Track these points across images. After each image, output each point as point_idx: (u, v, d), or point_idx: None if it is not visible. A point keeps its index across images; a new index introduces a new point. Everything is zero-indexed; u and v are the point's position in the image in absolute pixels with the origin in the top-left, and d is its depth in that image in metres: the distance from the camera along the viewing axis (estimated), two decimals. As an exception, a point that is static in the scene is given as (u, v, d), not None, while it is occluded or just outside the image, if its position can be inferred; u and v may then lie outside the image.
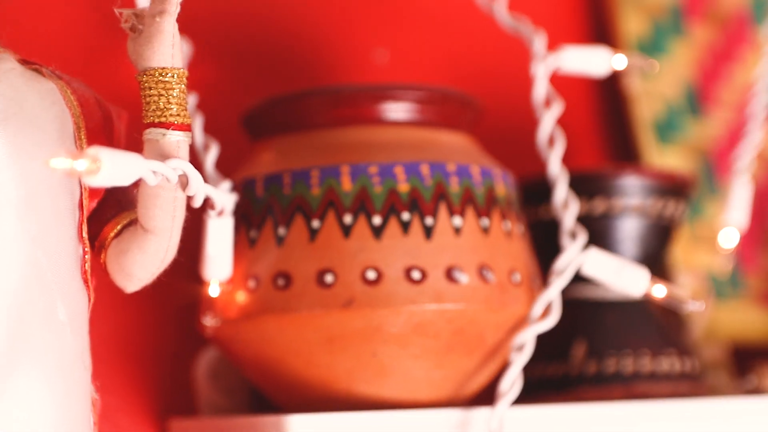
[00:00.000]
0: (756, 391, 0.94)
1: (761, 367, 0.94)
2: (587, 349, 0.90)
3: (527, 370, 0.92)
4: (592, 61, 0.88)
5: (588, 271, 0.80)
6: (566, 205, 0.83)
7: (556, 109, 0.86)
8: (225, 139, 0.84)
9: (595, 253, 0.81)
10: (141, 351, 0.88)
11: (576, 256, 0.80)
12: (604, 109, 1.16)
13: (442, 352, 0.76)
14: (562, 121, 1.13)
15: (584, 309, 0.92)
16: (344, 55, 1.03)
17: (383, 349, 0.75)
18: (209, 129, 0.84)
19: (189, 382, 0.88)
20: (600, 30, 1.16)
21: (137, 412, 0.87)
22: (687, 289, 1.08)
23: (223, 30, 0.97)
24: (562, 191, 0.83)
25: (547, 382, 0.90)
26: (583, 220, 0.91)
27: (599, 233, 0.91)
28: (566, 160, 1.13)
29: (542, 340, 0.92)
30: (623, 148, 1.15)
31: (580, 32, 1.16)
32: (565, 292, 0.92)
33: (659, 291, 0.81)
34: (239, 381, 0.89)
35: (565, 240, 0.81)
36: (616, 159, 1.15)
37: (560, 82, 1.13)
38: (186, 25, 0.86)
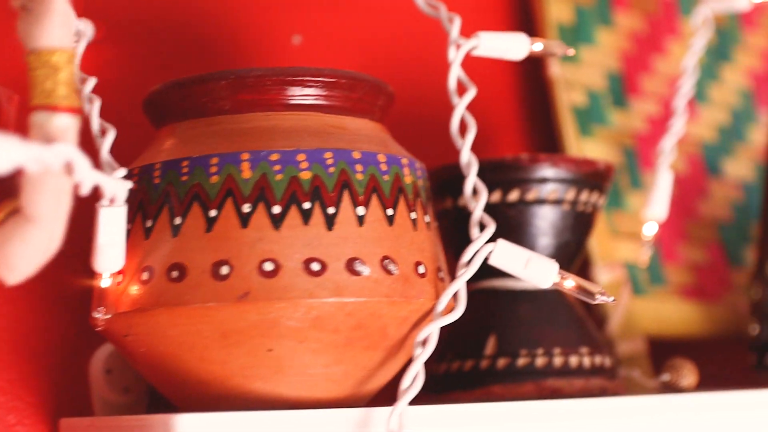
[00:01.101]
0: (670, 387, 0.92)
1: (675, 363, 0.92)
2: (498, 344, 0.88)
3: (438, 365, 0.90)
4: (508, 46, 0.86)
5: (495, 262, 0.78)
6: (476, 194, 0.80)
7: (470, 96, 0.83)
8: (134, 124, 0.82)
9: (503, 244, 0.78)
10: (32, 347, 0.84)
11: (483, 247, 0.78)
12: (529, 98, 1.14)
13: (341, 347, 0.74)
14: (487, 110, 1.11)
15: (498, 301, 0.90)
16: (260, 39, 1.00)
17: (280, 344, 0.73)
18: (115, 114, 0.81)
19: (85, 380, 0.85)
20: (526, 17, 1.14)
21: (28, 411, 0.83)
22: (606, 281, 1.06)
23: (131, 10, 0.94)
24: (472, 180, 0.81)
25: (457, 378, 0.88)
26: (499, 209, 0.89)
27: (515, 223, 0.89)
28: (490, 148, 1.11)
29: (454, 334, 0.90)
30: (547, 138, 1.13)
31: (506, 19, 1.14)
32: (480, 284, 0.91)
33: (569, 283, 0.78)
34: (136, 378, 0.86)
35: (473, 230, 0.79)
36: (539, 149, 1.13)
37: (485, 71, 1.11)
38: (90, 3, 0.83)
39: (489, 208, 0.90)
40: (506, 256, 0.78)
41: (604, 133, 1.13)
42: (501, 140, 1.11)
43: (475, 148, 1.10)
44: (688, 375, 0.91)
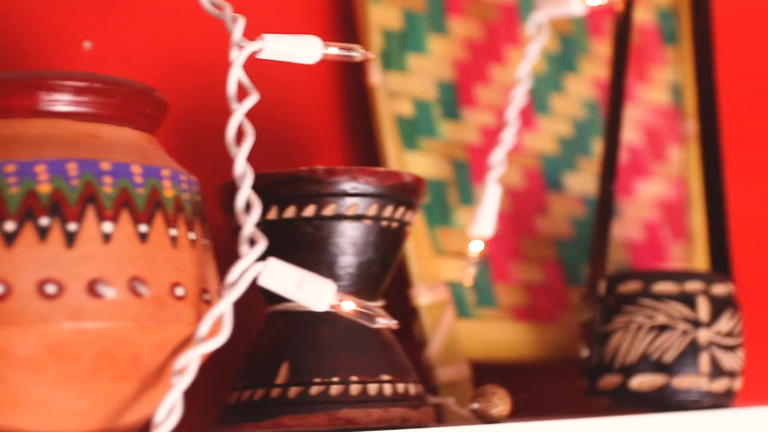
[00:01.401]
0: (480, 415, 0.85)
1: (485, 390, 0.85)
2: (291, 371, 0.81)
3: (230, 395, 0.83)
4: (297, 49, 0.79)
5: (265, 283, 0.71)
6: (248, 209, 0.74)
7: (250, 102, 0.76)
8: None
9: (275, 263, 0.72)
10: None
11: (251, 266, 0.71)
12: (352, 108, 1.07)
13: (85, 377, 0.67)
14: (307, 121, 1.05)
15: (296, 324, 0.83)
16: (50, 45, 0.93)
17: (13, 375, 0.65)
18: None
19: None
20: (348, 23, 1.08)
21: None
22: (427, 302, 1.00)
23: None
24: (245, 193, 0.74)
25: (247, 408, 0.81)
26: (294, 225, 0.82)
27: (312, 240, 0.83)
28: (308, 161, 1.04)
29: (248, 361, 0.84)
30: (370, 151, 1.06)
31: (327, 24, 1.08)
32: (277, 306, 0.84)
33: (347, 305, 0.72)
34: None
35: (243, 248, 0.72)
36: (362, 162, 1.06)
37: (305, 80, 1.05)
38: None
39: (283, 224, 0.83)
40: (277, 276, 0.72)
41: (432, 145, 1.06)
42: (321, 153, 1.05)
43: (291, 160, 1.04)
44: (499, 403, 0.84)
